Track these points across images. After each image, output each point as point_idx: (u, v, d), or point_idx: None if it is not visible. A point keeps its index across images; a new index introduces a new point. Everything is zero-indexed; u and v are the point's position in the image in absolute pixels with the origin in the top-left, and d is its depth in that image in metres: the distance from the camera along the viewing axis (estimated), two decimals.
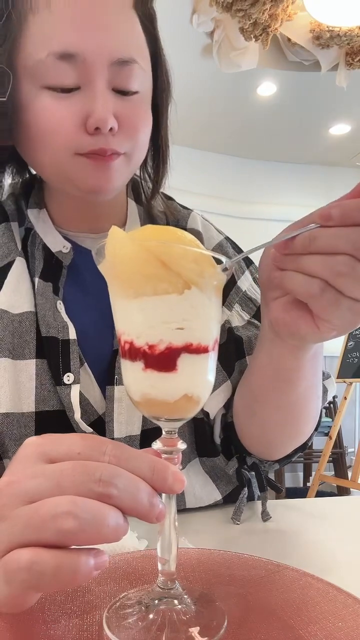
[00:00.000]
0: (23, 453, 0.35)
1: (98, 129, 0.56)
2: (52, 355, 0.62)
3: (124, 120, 0.58)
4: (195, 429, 0.68)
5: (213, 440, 0.69)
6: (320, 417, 0.67)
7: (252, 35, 1.90)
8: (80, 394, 0.62)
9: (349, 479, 2.98)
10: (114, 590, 0.40)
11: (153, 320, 0.35)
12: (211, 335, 0.37)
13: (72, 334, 0.63)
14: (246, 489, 0.67)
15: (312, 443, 0.68)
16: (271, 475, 0.74)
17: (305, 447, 0.67)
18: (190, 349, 0.35)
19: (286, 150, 4.20)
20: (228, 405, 0.68)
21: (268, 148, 4.16)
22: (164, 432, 0.38)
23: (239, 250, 0.78)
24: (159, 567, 0.38)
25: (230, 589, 0.41)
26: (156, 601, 0.37)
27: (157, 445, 0.37)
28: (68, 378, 0.61)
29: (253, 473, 0.71)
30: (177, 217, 0.76)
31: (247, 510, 0.68)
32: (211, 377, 0.38)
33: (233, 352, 0.67)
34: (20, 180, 0.73)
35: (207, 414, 0.68)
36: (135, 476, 0.33)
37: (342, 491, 3.15)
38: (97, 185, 0.59)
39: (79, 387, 0.61)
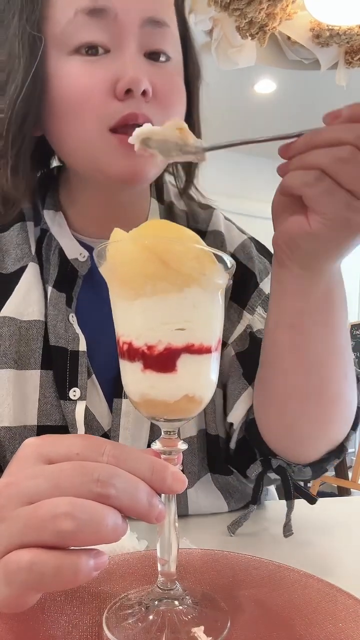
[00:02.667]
0: (22, 454, 0.35)
1: (130, 92, 0.52)
2: (59, 366, 0.59)
3: (157, 89, 0.54)
4: (209, 445, 0.65)
5: (227, 459, 0.65)
6: (358, 417, 0.59)
7: (247, 34, 1.90)
8: (86, 408, 0.59)
9: (350, 479, 2.98)
10: (114, 591, 0.40)
11: (153, 321, 0.35)
12: (214, 335, 0.37)
13: (82, 346, 0.60)
14: (255, 506, 0.60)
15: (348, 448, 0.58)
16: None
17: (342, 451, 0.58)
18: (192, 350, 0.35)
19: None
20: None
21: (267, 146, 4.15)
22: (162, 433, 0.38)
23: (265, 251, 0.73)
24: (159, 567, 0.38)
25: (231, 589, 0.41)
26: (156, 602, 0.37)
27: (156, 445, 0.37)
28: (74, 393, 0.59)
29: (278, 478, 0.60)
30: (197, 218, 0.72)
31: (254, 513, 0.66)
32: (214, 376, 0.38)
33: (257, 357, 0.60)
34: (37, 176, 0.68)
35: (230, 425, 0.64)
36: (134, 476, 0.32)
37: (343, 492, 3.15)
38: (129, 171, 0.55)
39: (85, 403, 0.59)
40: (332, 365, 0.53)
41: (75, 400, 0.58)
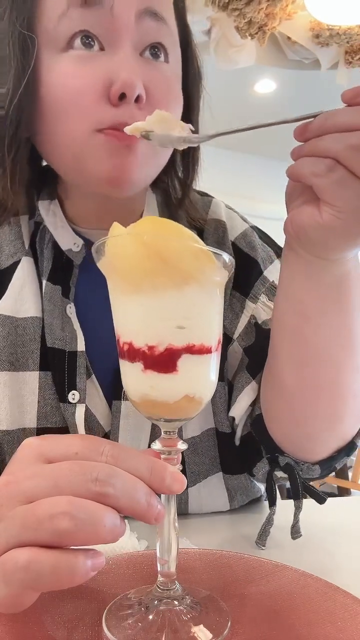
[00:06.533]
0: (21, 454, 0.35)
1: (123, 96, 0.50)
2: (57, 368, 0.58)
3: (152, 92, 0.52)
4: (220, 444, 0.64)
5: (242, 453, 0.63)
6: None
7: (247, 34, 1.91)
8: (86, 409, 0.58)
9: (349, 479, 2.98)
10: (114, 591, 0.40)
11: (153, 318, 0.35)
12: (214, 335, 0.37)
13: (81, 345, 0.58)
14: (275, 508, 0.57)
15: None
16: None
17: (353, 449, 0.56)
18: (193, 350, 0.35)
19: (285, 147, 4.19)
20: (254, 402, 0.61)
21: (267, 145, 4.16)
22: (162, 433, 0.38)
23: (267, 239, 0.71)
24: (159, 567, 0.38)
25: (231, 589, 0.41)
26: (156, 602, 0.37)
27: (156, 445, 0.37)
28: (73, 396, 0.57)
29: (286, 476, 0.58)
30: (195, 205, 0.69)
31: (254, 513, 0.67)
32: (214, 377, 0.38)
33: (264, 349, 0.57)
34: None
35: (233, 419, 0.62)
36: (133, 476, 0.32)
37: (343, 492, 3.15)
38: (115, 172, 0.53)
39: (84, 406, 0.58)
40: (344, 356, 0.50)
41: (75, 403, 0.58)
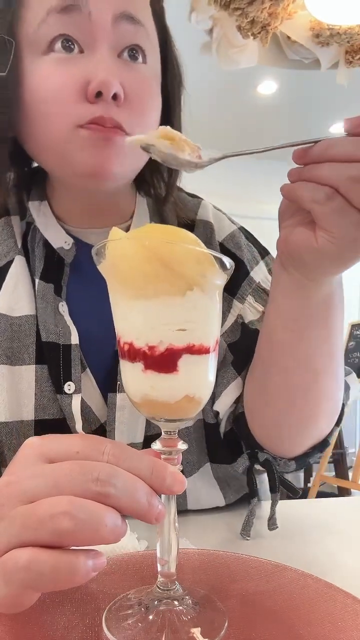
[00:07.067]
0: (22, 453, 0.35)
1: (100, 95, 0.52)
2: (52, 361, 0.59)
3: (130, 92, 0.54)
4: (207, 435, 0.66)
5: (226, 446, 0.66)
6: (342, 413, 0.61)
7: (249, 33, 1.90)
8: (82, 401, 0.60)
9: (350, 479, 2.98)
10: (114, 591, 0.40)
11: (154, 322, 0.35)
12: (212, 336, 0.37)
13: (75, 339, 0.60)
14: (256, 499, 0.60)
15: (332, 442, 0.61)
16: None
17: (325, 445, 0.60)
18: (192, 350, 0.35)
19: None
20: (238, 399, 0.64)
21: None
22: (163, 433, 0.38)
23: (254, 240, 0.73)
24: (159, 568, 0.38)
25: (230, 589, 0.41)
26: (156, 602, 0.37)
27: (156, 445, 0.37)
28: (69, 387, 0.59)
29: (264, 470, 0.62)
30: (185, 207, 0.71)
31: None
32: (212, 377, 0.38)
33: (249, 348, 0.60)
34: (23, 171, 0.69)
35: (217, 414, 0.64)
36: (134, 476, 0.32)
37: (343, 492, 3.15)
38: (95, 164, 0.54)
39: (80, 396, 0.59)
40: (324, 364, 0.54)
41: (71, 394, 0.59)
